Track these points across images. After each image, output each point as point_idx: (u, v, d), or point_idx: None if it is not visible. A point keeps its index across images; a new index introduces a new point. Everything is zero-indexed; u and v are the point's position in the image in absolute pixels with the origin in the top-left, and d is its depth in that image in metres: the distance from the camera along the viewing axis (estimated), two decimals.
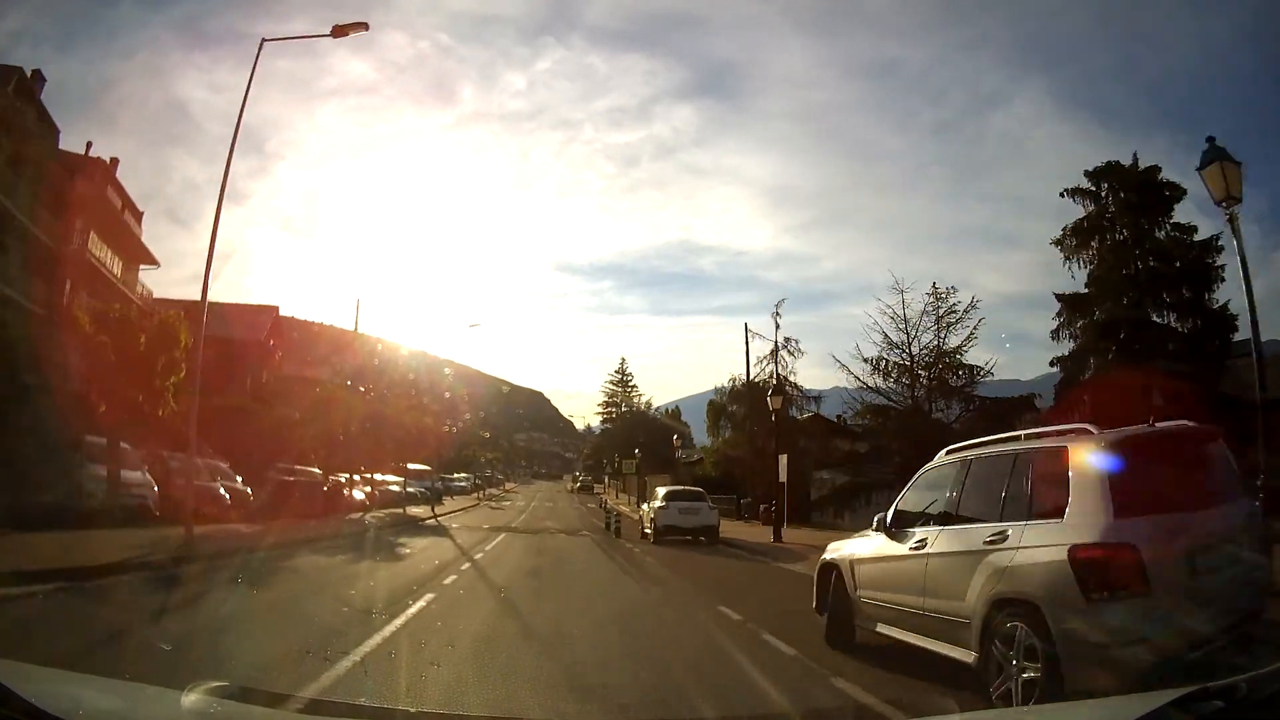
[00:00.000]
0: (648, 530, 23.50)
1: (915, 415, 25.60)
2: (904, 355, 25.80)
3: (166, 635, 6.87)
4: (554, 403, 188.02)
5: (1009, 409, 25.82)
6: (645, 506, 25.77)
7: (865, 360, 26.37)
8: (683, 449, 58.30)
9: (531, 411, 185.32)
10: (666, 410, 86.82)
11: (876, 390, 26.69)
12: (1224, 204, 9.98)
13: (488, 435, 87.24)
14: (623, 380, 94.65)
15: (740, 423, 41.66)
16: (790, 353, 39.28)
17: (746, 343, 38.06)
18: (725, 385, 45.18)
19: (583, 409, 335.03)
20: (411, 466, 39.27)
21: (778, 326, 38.91)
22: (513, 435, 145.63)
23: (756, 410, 37.22)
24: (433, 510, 30.01)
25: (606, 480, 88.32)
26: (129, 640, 6.67)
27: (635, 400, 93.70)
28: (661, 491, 24.33)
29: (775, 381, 36.88)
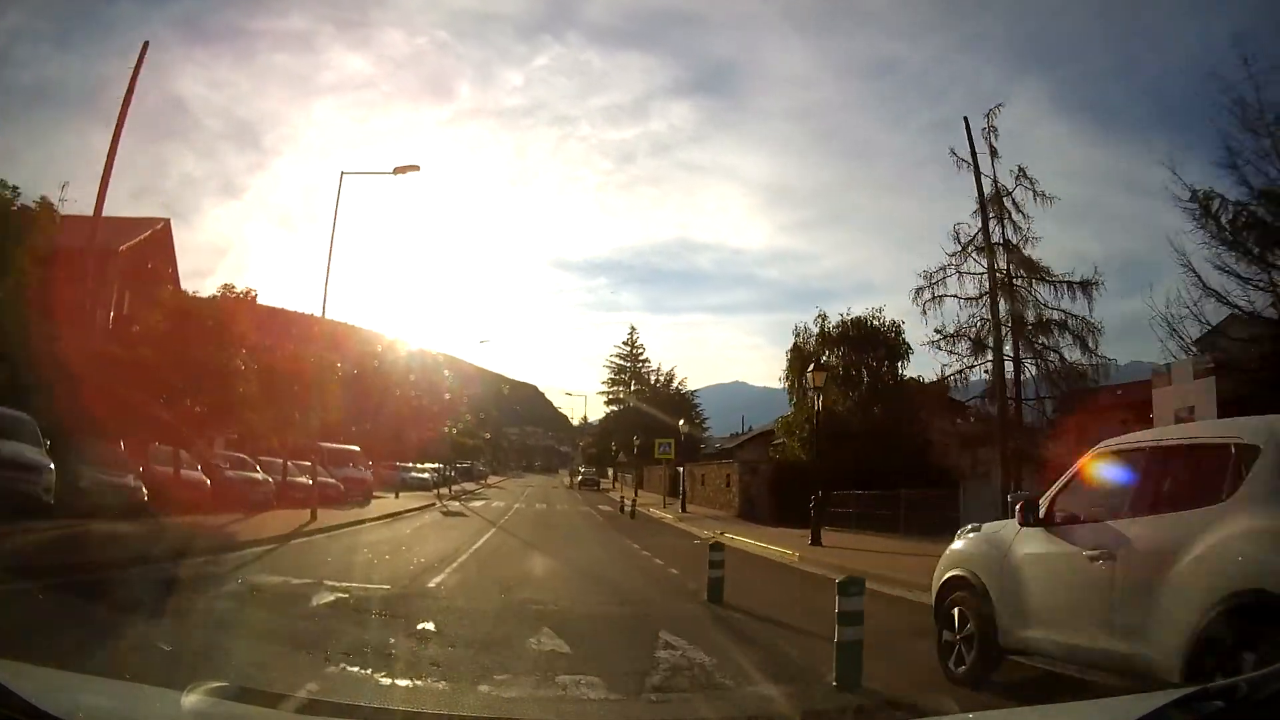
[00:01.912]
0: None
1: None
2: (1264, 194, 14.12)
3: None
4: (549, 397, 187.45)
5: None
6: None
7: (1194, 192, 14.93)
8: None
9: (526, 406, 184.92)
10: (679, 394, 73.47)
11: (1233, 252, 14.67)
12: None
13: (488, 437, 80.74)
14: (633, 353, 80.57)
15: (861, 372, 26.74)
16: (1016, 205, 20.71)
17: (977, 163, 20.59)
18: (809, 326, 30.11)
19: (579, 404, 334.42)
20: (348, 448, 30.81)
21: (994, 153, 20.56)
22: (505, 428, 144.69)
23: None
24: (312, 516, 18.69)
25: (613, 473, 76.34)
26: None
27: (650, 375, 78.53)
28: None
29: (1002, 247, 20.35)
